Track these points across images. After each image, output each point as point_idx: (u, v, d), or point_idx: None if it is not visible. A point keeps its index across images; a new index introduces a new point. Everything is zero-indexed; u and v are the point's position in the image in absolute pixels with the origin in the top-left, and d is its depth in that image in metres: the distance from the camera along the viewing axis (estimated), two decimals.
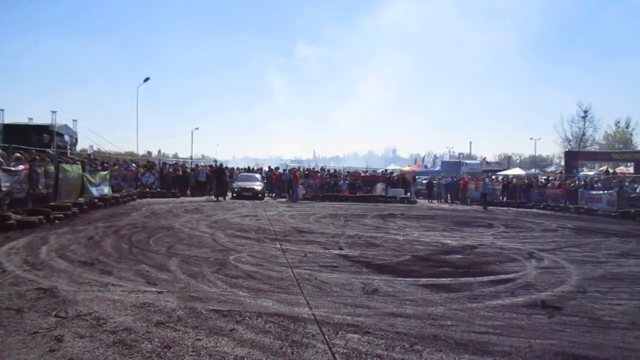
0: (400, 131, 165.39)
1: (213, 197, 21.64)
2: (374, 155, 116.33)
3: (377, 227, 12.22)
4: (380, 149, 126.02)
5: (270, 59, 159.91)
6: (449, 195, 27.31)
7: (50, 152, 17.27)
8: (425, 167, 50.61)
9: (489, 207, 22.97)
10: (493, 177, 35.31)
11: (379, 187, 26.04)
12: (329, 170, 31.26)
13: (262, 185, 22.87)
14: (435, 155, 60.93)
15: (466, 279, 6.15)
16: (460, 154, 57.36)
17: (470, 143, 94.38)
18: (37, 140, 22.40)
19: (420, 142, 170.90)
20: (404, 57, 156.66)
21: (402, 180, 27.29)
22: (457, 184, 27.40)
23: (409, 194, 25.87)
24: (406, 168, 50.67)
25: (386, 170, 35.43)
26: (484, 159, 59.17)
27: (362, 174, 29.90)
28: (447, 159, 54.21)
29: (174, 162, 32.30)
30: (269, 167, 28.85)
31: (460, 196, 26.06)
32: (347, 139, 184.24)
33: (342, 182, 26.08)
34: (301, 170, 28.93)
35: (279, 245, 8.45)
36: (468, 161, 51.64)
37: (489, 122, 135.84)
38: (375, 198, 24.73)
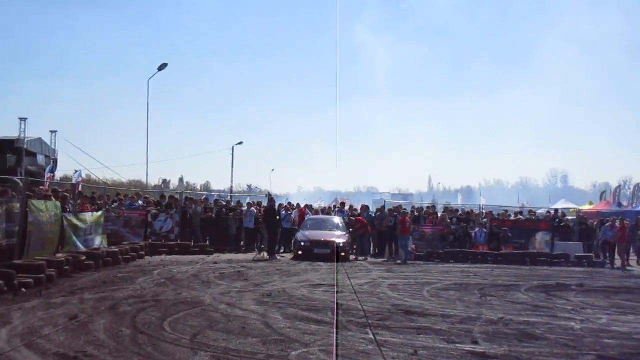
0: (576, 146, 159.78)
1: (265, 253, 21.96)
2: (530, 185, 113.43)
3: (536, 307, 11.94)
4: (541, 175, 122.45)
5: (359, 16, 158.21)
6: None
7: (17, 180, 18.28)
8: (619, 205, 48.51)
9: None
10: None
11: (540, 240, 25.43)
12: (455, 211, 30.90)
13: (347, 236, 22.69)
14: (638, 184, 58.37)
15: None
16: None
17: None
18: None
19: (606, 164, 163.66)
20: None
21: (580, 228, 26.44)
22: None
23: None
24: (586, 207, 48.87)
25: (550, 211, 34.29)
26: None
27: (512, 218, 29.26)
28: None
29: (204, 197, 32.66)
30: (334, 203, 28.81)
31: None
32: (486, 159, 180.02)
33: (477, 229, 25.76)
34: (407, 211, 28.80)
35: (371, 336, 8.42)
36: None
37: None
38: (534, 257, 24.13)
